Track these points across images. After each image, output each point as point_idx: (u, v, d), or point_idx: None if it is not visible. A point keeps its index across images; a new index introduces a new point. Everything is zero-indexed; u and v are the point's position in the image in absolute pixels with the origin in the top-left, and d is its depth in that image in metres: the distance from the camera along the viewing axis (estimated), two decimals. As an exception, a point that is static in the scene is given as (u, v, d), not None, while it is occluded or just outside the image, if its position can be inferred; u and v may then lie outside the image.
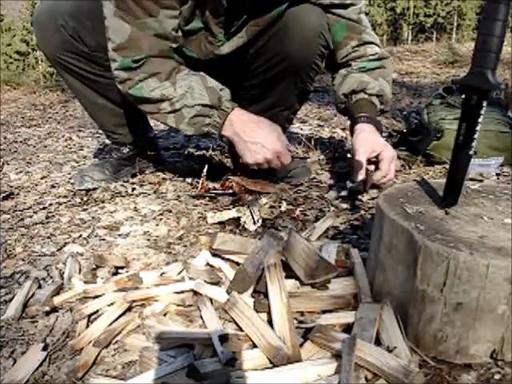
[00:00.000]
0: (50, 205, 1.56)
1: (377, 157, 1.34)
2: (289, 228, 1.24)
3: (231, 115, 1.30)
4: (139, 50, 1.26)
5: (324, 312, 0.84)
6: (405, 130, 1.88)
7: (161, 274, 1.01)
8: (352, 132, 1.43)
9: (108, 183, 1.67)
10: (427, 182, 0.94)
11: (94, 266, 1.08)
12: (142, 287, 0.95)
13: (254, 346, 0.76)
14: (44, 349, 0.82)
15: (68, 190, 1.69)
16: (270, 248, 0.90)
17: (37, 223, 1.41)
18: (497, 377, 0.69)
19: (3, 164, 2.12)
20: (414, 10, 37.10)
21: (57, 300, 0.97)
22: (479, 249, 0.69)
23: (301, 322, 0.83)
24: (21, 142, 2.64)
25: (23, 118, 3.50)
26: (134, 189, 1.65)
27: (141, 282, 0.96)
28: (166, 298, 0.92)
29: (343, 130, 2.36)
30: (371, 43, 1.47)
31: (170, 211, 1.44)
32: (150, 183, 1.70)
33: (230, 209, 1.37)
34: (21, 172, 1.99)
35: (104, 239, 1.28)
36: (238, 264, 1.00)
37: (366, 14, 1.48)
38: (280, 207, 1.38)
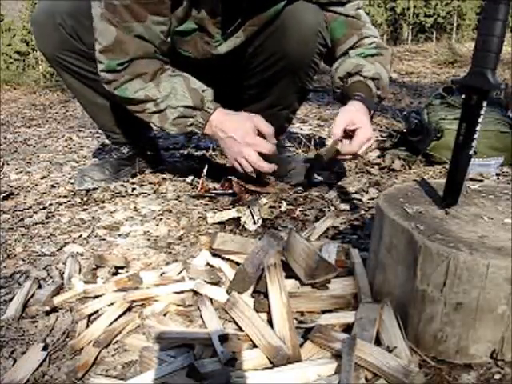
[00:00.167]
0: (50, 205, 1.56)
1: (353, 131, 1.30)
2: (289, 228, 1.24)
3: (213, 116, 1.31)
4: (124, 53, 1.27)
5: (324, 312, 0.84)
6: (405, 130, 1.89)
7: (161, 274, 1.01)
8: None
9: (108, 183, 1.67)
10: (427, 182, 0.94)
11: (94, 266, 1.08)
12: (142, 287, 0.95)
13: (254, 345, 0.76)
14: (44, 349, 0.82)
15: (68, 190, 1.70)
16: (270, 248, 0.90)
17: (37, 223, 1.41)
18: (497, 377, 0.69)
19: (3, 164, 2.11)
20: (414, 10, 37.06)
21: (57, 300, 0.97)
22: (479, 249, 0.69)
23: (301, 322, 0.83)
24: (21, 142, 2.64)
25: (23, 118, 3.50)
26: (134, 189, 1.65)
27: (141, 282, 0.96)
28: (165, 298, 0.92)
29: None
30: (371, 36, 1.45)
31: (170, 211, 1.44)
32: (150, 183, 1.70)
33: (229, 209, 1.37)
34: (21, 172, 1.99)
35: (104, 239, 1.28)
36: (238, 264, 1.00)
37: (366, 14, 1.48)
38: (280, 207, 1.38)
